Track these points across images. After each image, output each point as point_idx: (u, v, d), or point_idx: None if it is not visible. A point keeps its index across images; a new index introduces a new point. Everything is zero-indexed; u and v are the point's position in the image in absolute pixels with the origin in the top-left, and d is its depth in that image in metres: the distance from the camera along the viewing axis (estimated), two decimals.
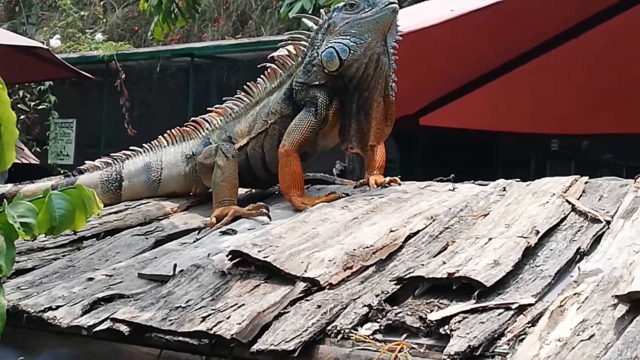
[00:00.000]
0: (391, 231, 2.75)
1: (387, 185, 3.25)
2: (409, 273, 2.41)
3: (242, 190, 3.46)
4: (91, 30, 14.96)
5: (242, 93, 3.52)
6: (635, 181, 2.87)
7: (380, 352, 2.12)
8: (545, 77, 6.44)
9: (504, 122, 7.27)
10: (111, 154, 3.74)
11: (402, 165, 10.47)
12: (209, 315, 2.32)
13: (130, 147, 3.71)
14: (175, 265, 2.63)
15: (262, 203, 3.15)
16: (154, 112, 12.78)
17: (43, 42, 11.74)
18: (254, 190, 3.63)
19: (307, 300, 2.37)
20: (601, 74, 6.42)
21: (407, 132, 8.94)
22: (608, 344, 1.95)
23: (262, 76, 3.48)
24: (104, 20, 15.92)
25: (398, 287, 2.38)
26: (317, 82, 3.21)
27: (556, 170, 10.91)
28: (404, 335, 2.16)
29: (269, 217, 3.05)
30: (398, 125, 6.95)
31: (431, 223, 2.82)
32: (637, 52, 6.13)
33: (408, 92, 5.98)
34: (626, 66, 6.29)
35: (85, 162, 3.77)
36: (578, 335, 2.01)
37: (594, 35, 6.00)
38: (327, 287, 2.44)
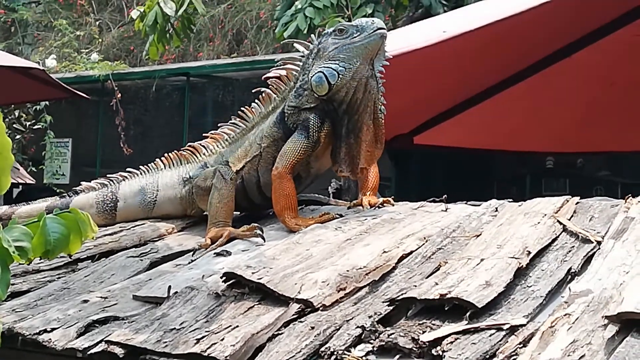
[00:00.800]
0: (384, 252, 2.77)
1: (380, 206, 3.27)
2: (402, 294, 2.43)
3: (236, 213, 3.48)
4: (87, 50, 15.03)
5: (238, 118, 3.57)
6: (625, 201, 2.90)
7: None
8: (539, 95, 6.47)
9: (498, 141, 7.30)
10: (107, 175, 3.77)
11: (398, 183, 10.52)
12: (203, 337, 2.34)
13: (127, 169, 3.74)
14: (169, 287, 2.65)
15: (256, 224, 3.18)
16: (149, 132, 12.83)
17: (39, 62, 11.79)
18: None
19: (301, 322, 2.38)
20: (595, 92, 6.46)
21: (402, 151, 8.99)
22: None
23: (256, 101, 3.53)
24: (100, 40, 15.99)
25: (391, 308, 2.39)
26: (308, 106, 3.26)
27: (551, 188, 10.97)
28: (397, 356, 2.17)
29: (263, 238, 3.08)
30: (393, 144, 7.00)
31: (424, 244, 2.83)
32: (630, 70, 6.17)
33: (402, 112, 6.02)
34: (619, 84, 6.33)
35: (81, 182, 3.80)
36: (569, 356, 2.02)
37: (588, 53, 6.04)
38: (321, 308, 2.45)
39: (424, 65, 5.32)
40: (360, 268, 2.66)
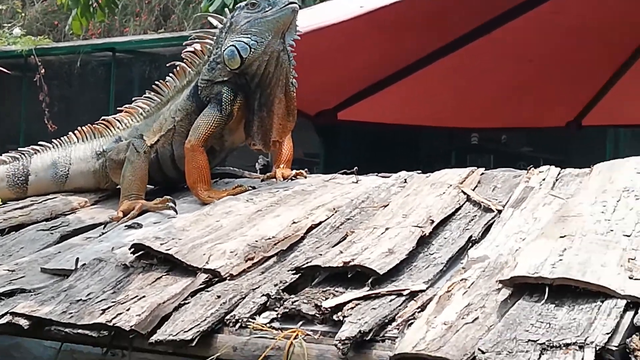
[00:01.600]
0: (294, 223, 2.81)
1: (293, 178, 3.32)
2: (308, 263, 2.48)
3: (150, 187, 3.49)
4: (9, 25, 14.66)
5: (152, 92, 3.57)
6: (527, 172, 2.99)
7: (276, 339, 2.18)
8: (460, 72, 6.56)
9: (421, 117, 7.38)
10: (19, 149, 3.73)
11: (326, 160, 10.58)
12: (108, 307, 2.36)
13: (39, 142, 3.71)
14: (77, 259, 2.65)
15: (168, 197, 3.19)
16: (74, 108, 12.61)
17: None
18: None
19: (208, 291, 2.42)
20: (515, 69, 6.57)
21: (330, 127, 9.03)
22: (490, 326, 2.04)
23: (171, 74, 3.54)
24: (23, 14, 15.59)
25: (297, 276, 2.44)
26: (221, 79, 3.29)
27: (476, 163, 11.14)
28: (300, 322, 2.23)
29: (175, 210, 3.10)
30: (317, 119, 7.02)
31: (333, 214, 2.89)
32: (547, 47, 6.30)
33: (326, 87, 6.07)
34: (538, 61, 6.46)
35: None
36: (463, 318, 2.10)
37: (507, 30, 6.14)
38: (228, 278, 2.49)
39: (346, 40, 5.36)
40: (269, 238, 2.70)
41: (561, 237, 2.29)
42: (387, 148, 10.28)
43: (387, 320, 2.16)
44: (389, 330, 2.13)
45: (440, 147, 11.71)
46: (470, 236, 2.59)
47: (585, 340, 1.89)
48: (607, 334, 1.91)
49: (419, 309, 2.20)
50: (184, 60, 3.50)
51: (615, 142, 10.15)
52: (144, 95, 3.59)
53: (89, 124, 3.65)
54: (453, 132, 10.29)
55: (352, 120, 7.08)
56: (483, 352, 1.92)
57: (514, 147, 11.56)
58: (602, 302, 2.02)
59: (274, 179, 3.36)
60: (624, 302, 2.01)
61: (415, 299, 2.26)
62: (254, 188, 3.23)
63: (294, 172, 3.35)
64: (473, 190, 2.90)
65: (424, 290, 2.29)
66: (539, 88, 6.76)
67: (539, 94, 6.84)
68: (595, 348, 1.87)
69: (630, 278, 2.09)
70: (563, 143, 10.46)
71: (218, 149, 3.39)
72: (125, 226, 3.01)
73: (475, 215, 2.73)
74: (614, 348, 1.88)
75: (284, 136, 3.34)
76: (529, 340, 1.92)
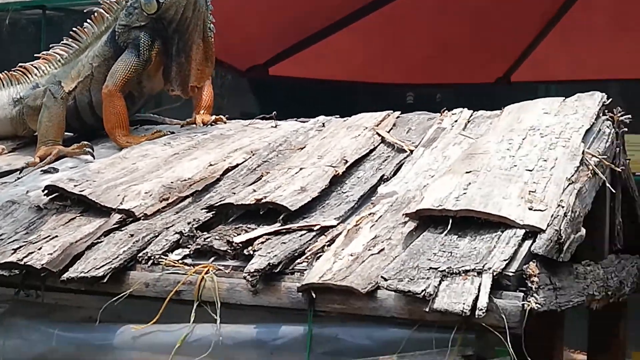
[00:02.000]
0: (210, 165, 2.83)
1: (213, 123, 3.33)
2: (222, 202, 2.50)
3: (70, 134, 3.47)
4: None
5: (70, 39, 3.53)
6: (441, 114, 3.05)
7: (187, 274, 2.21)
8: (392, 26, 6.56)
9: (354, 73, 7.39)
10: None
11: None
12: (20, 247, 2.36)
13: None
14: None
15: (86, 142, 3.18)
16: (4, 67, 12.31)
17: None
18: None
19: (121, 231, 2.43)
20: (446, 23, 6.60)
21: (264, 84, 8.99)
22: (395, 256, 2.10)
23: (89, 21, 3.50)
24: None
25: (210, 215, 2.47)
26: (138, 24, 3.27)
27: None
28: (212, 258, 2.26)
29: (93, 155, 3.09)
30: (248, 74, 6.96)
31: (250, 157, 2.91)
32: (482, 2, 6.34)
33: (257, 41, 6.04)
34: (468, 16, 6.51)
35: None
36: (369, 250, 2.16)
37: None
38: (142, 217, 2.51)
39: None
40: (185, 180, 2.72)
41: (467, 172, 2.35)
42: (322, 106, 10.24)
43: (296, 254, 2.20)
44: (299, 263, 2.17)
45: (376, 105, 11.77)
46: (383, 175, 2.64)
47: (483, 266, 1.96)
48: (505, 260, 1.98)
49: (329, 243, 2.25)
50: (102, 6, 3.46)
51: None
52: (62, 42, 3.55)
53: (5, 71, 3.60)
54: (389, 91, 10.34)
55: (284, 76, 7.06)
56: (386, 280, 1.98)
57: (448, 106, 11.55)
58: (502, 232, 2.09)
59: (194, 125, 3.37)
60: (522, 231, 2.08)
61: (325, 234, 2.31)
62: (172, 133, 3.24)
63: (213, 117, 3.36)
64: (388, 132, 2.94)
65: (334, 226, 2.34)
66: (468, 43, 6.82)
67: (468, 49, 6.91)
68: (493, 274, 1.94)
69: (530, 209, 2.16)
70: (496, 102, 10.54)
71: (137, 95, 3.37)
72: (42, 171, 3.00)
73: (389, 156, 2.78)
74: (510, 274, 1.95)
75: (202, 81, 3.34)
76: (430, 267, 1.98)
